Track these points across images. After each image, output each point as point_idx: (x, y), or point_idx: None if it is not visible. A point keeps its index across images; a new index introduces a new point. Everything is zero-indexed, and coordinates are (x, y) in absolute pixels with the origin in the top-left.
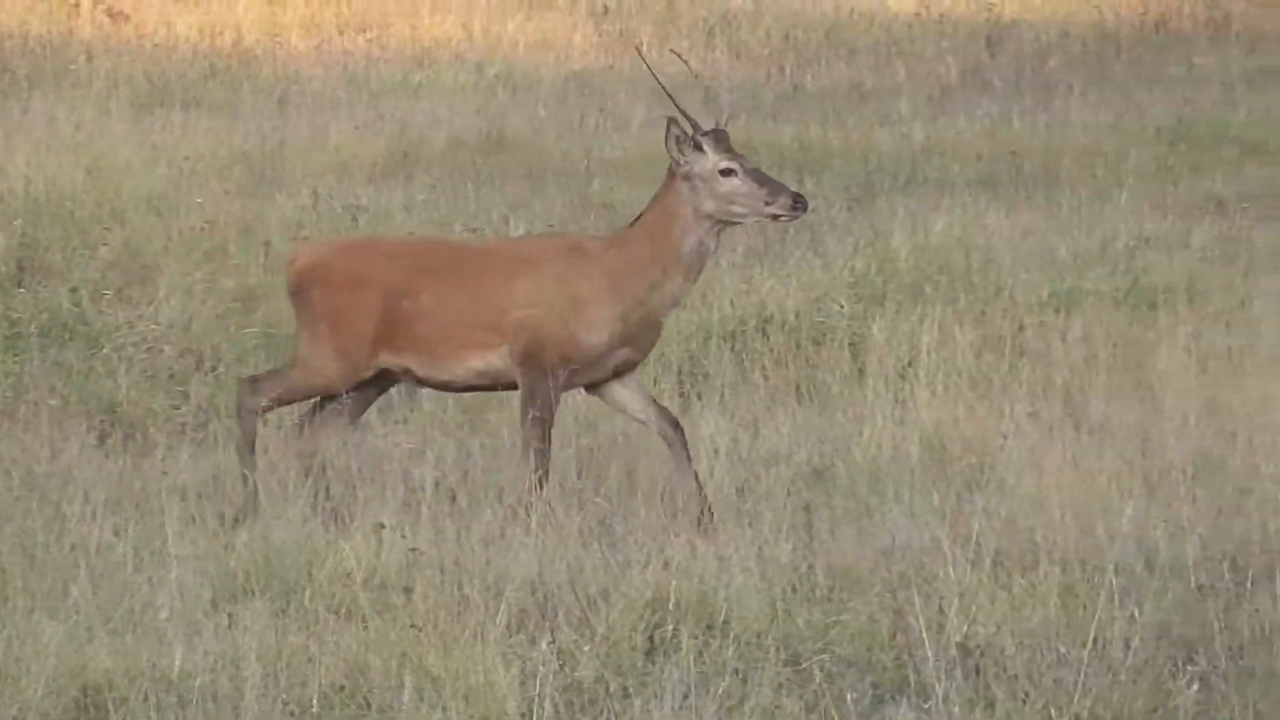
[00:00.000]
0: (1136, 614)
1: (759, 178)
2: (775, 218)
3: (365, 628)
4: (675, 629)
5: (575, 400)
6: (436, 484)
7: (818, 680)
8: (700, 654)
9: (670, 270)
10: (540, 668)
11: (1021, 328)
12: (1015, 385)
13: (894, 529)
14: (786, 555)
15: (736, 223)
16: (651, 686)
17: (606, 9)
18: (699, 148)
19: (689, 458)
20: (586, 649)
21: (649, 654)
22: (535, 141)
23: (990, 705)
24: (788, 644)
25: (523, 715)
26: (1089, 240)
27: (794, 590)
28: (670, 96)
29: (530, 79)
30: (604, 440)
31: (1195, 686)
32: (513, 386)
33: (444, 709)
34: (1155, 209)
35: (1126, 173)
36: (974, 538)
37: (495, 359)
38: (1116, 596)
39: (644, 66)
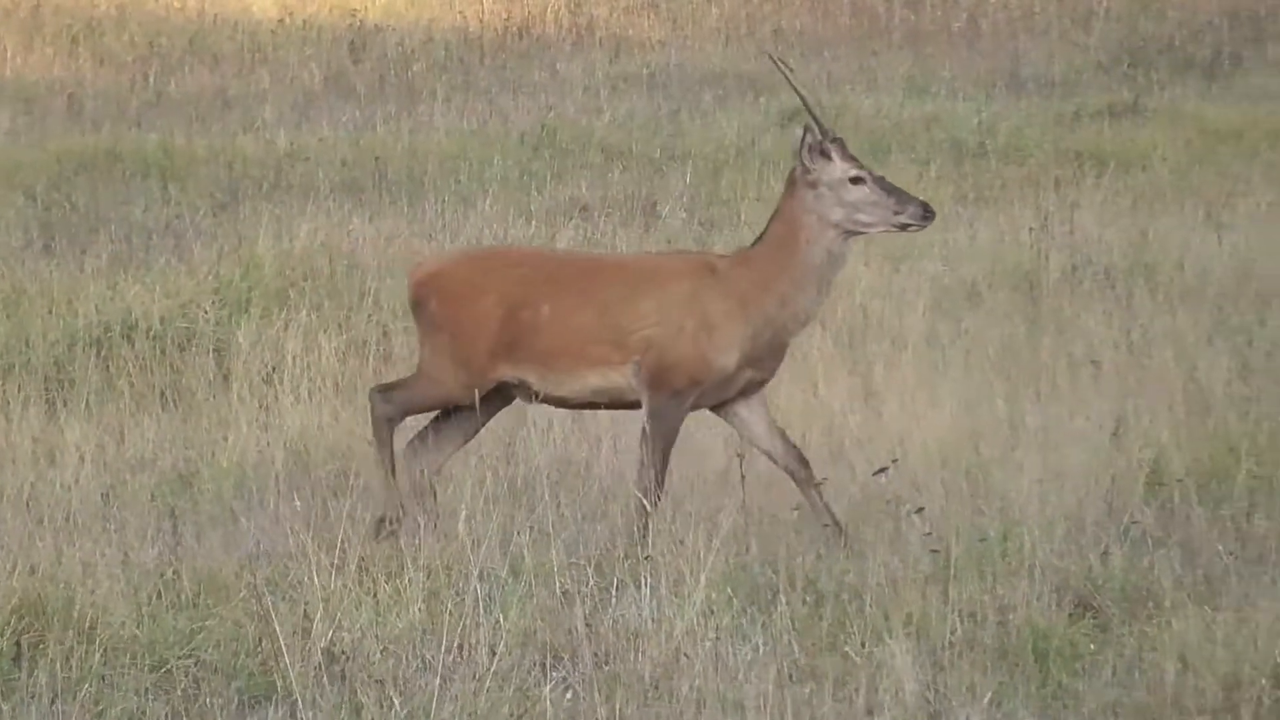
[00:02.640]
0: (501, 620)
1: (886, 186)
2: (904, 227)
3: None
4: (42, 634)
5: None
6: None
7: (183, 686)
8: (66, 659)
9: (800, 284)
10: None
11: (385, 334)
12: None
13: (259, 535)
14: (152, 561)
15: (861, 232)
16: (19, 692)
17: None
18: (825, 155)
19: (819, 494)
20: None
21: (16, 659)
22: None
23: (356, 711)
24: (153, 649)
25: None
26: (454, 245)
27: (160, 595)
28: (806, 104)
29: None
30: None
31: (561, 692)
32: (632, 406)
33: None
34: (519, 215)
35: (490, 179)
36: (339, 543)
37: (617, 377)
38: (481, 602)
39: (780, 73)
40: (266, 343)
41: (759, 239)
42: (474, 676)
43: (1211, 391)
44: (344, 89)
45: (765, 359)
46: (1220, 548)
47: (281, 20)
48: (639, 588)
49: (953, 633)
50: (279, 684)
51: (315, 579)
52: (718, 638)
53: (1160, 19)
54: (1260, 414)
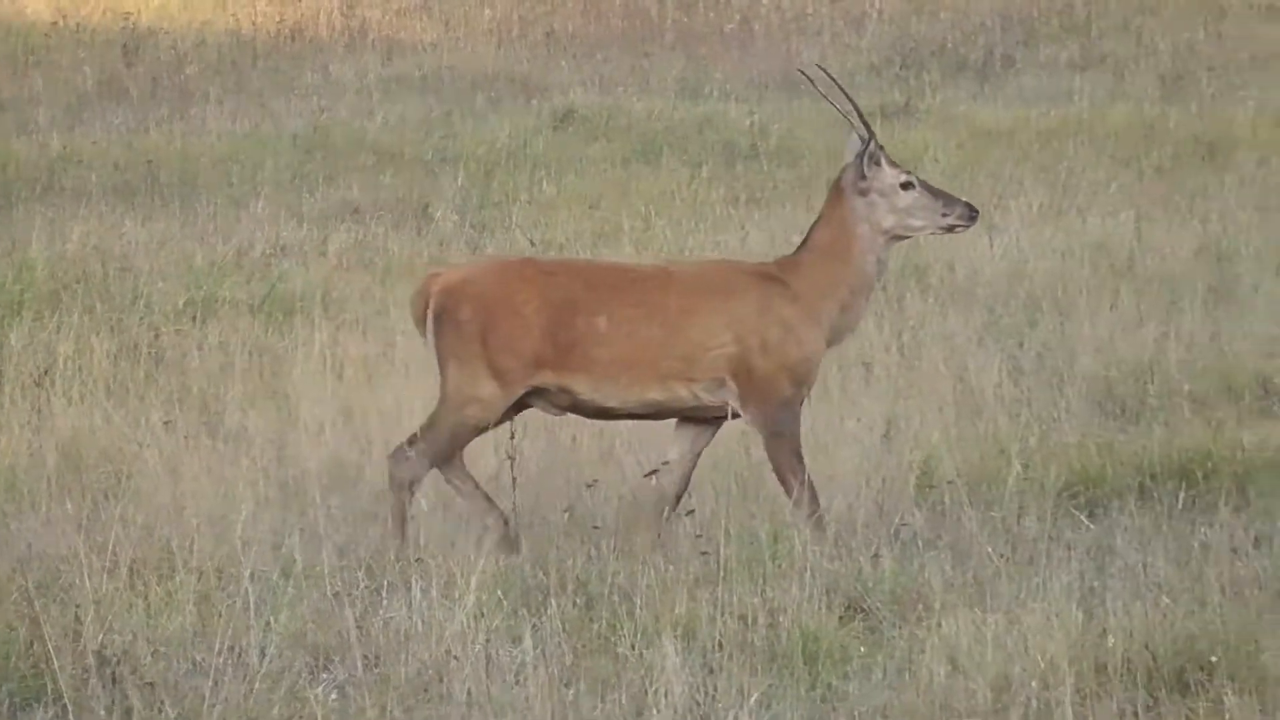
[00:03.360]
0: (273, 621)
1: (932, 189)
2: (952, 228)
3: None
4: None
5: None
6: None
7: None
8: None
9: (857, 291)
10: None
11: (158, 336)
12: (152, 394)
13: (30, 537)
14: None
15: (910, 236)
16: None
17: None
18: (876, 162)
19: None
20: None
21: None
22: None
23: (127, 713)
24: None
25: None
26: (225, 248)
27: None
28: (859, 112)
29: None
30: None
31: (332, 693)
32: (677, 415)
33: None
34: (291, 217)
35: (263, 181)
36: (111, 546)
37: (683, 391)
38: (253, 604)
39: (815, 83)
40: (38, 345)
41: (803, 247)
42: (245, 678)
43: (982, 393)
44: (117, 92)
45: None
46: (990, 550)
47: (55, 23)
48: (409, 590)
49: (722, 634)
50: (49, 686)
51: (86, 581)
52: (488, 639)
53: (933, 20)
54: (1030, 416)
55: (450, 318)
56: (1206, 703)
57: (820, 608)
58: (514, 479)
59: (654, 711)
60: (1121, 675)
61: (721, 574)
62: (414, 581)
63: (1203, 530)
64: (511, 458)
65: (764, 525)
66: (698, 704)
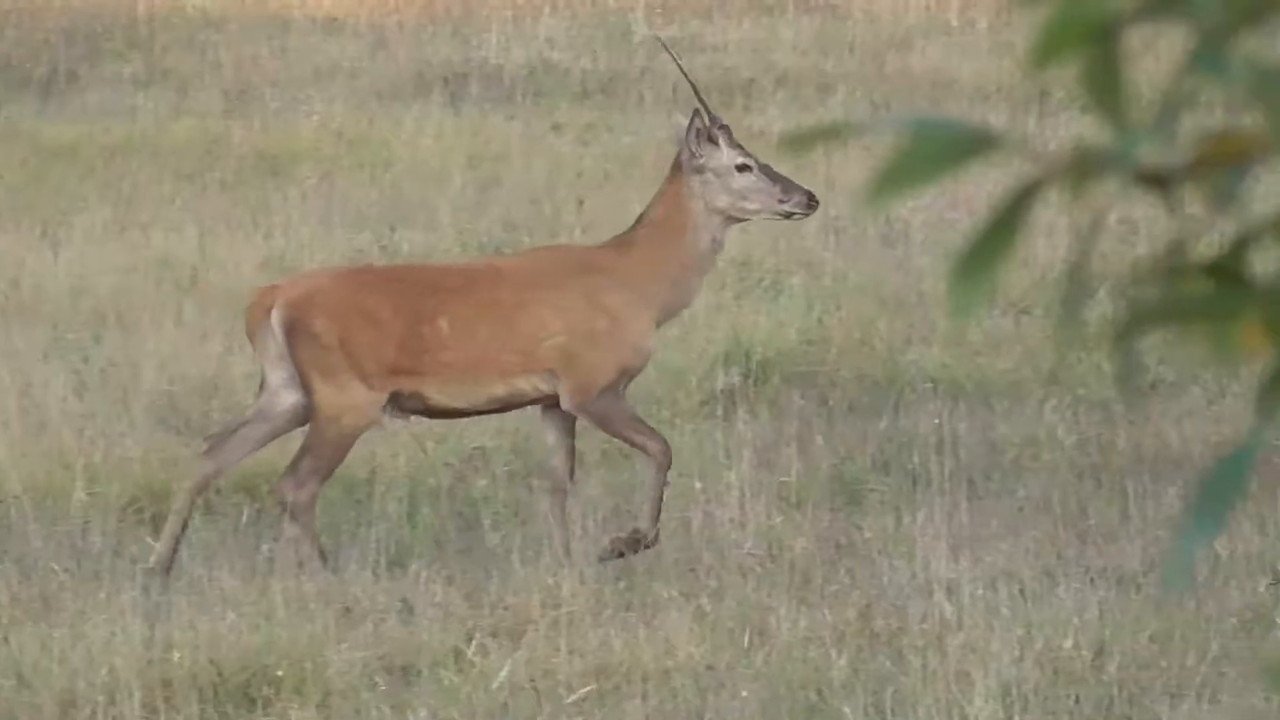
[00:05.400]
0: None
1: (771, 174)
2: (789, 215)
3: None
4: None
5: None
6: None
7: None
8: None
9: (689, 268)
10: None
11: None
12: None
13: None
14: None
15: (745, 218)
16: None
17: None
18: (713, 141)
19: (562, 503)
20: None
21: None
22: None
23: None
24: None
25: None
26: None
27: None
28: (695, 88)
29: None
30: None
31: None
32: (519, 406)
33: None
34: None
35: None
36: None
37: (522, 384)
38: None
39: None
40: None
41: (638, 224)
42: None
43: (47, 409)
44: None
45: None
46: (55, 565)
47: None
48: None
49: None
50: None
51: None
52: None
53: None
54: (95, 432)
55: (303, 331)
56: (272, 716)
57: None
58: None
59: None
60: (188, 689)
61: None
62: None
63: (268, 544)
64: None
65: None
66: None
